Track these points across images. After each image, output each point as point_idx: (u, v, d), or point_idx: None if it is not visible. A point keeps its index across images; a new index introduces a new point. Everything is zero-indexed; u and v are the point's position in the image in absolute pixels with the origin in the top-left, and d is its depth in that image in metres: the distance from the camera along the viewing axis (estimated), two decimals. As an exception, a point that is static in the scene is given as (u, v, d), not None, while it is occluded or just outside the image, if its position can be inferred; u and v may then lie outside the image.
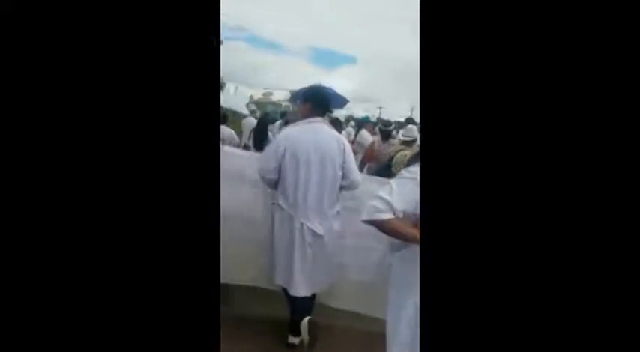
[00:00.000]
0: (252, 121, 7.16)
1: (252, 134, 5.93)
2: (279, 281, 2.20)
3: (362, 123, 6.82)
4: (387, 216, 1.35)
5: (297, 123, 2.26)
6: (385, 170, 3.31)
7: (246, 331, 2.27)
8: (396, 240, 1.45)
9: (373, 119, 7.29)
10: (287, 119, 6.45)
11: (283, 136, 2.19)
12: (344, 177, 2.18)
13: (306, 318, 2.09)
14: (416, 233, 1.30)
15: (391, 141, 4.15)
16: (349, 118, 9.97)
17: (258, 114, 9.94)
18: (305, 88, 2.35)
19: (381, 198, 1.37)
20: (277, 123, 6.87)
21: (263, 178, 2.18)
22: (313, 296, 2.24)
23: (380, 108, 31.40)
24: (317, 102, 2.24)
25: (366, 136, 5.47)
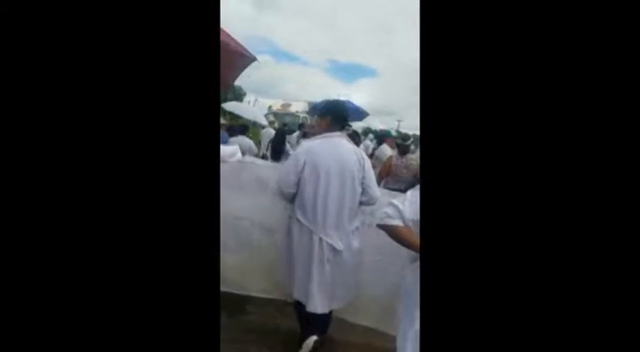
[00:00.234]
0: (270, 132, 7.21)
1: (269, 145, 5.97)
2: (297, 296, 2.17)
3: (382, 137, 6.52)
4: (396, 222, 1.44)
5: (316, 137, 2.26)
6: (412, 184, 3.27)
7: (257, 344, 2.26)
8: (412, 252, 1.48)
9: (393, 132, 7.14)
10: (305, 131, 6.47)
11: (303, 150, 2.18)
12: (363, 192, 2.17)
13: (313, 337, 2.07)
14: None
15: (409, 156, 4.12)
16: (367, 130, 9.95)
17: (276, 124, 10.01)
18: (324, 101, 2.37)
19: (394, 206, 1.47)
20: (295, 134, 6.90)
21: (281, 192, 2.17)
22: (330, 312, 2.21)
23: (399, 121, 31.42)
24: (336, 116, 2.25)
25: (385, 151, 5.31)
